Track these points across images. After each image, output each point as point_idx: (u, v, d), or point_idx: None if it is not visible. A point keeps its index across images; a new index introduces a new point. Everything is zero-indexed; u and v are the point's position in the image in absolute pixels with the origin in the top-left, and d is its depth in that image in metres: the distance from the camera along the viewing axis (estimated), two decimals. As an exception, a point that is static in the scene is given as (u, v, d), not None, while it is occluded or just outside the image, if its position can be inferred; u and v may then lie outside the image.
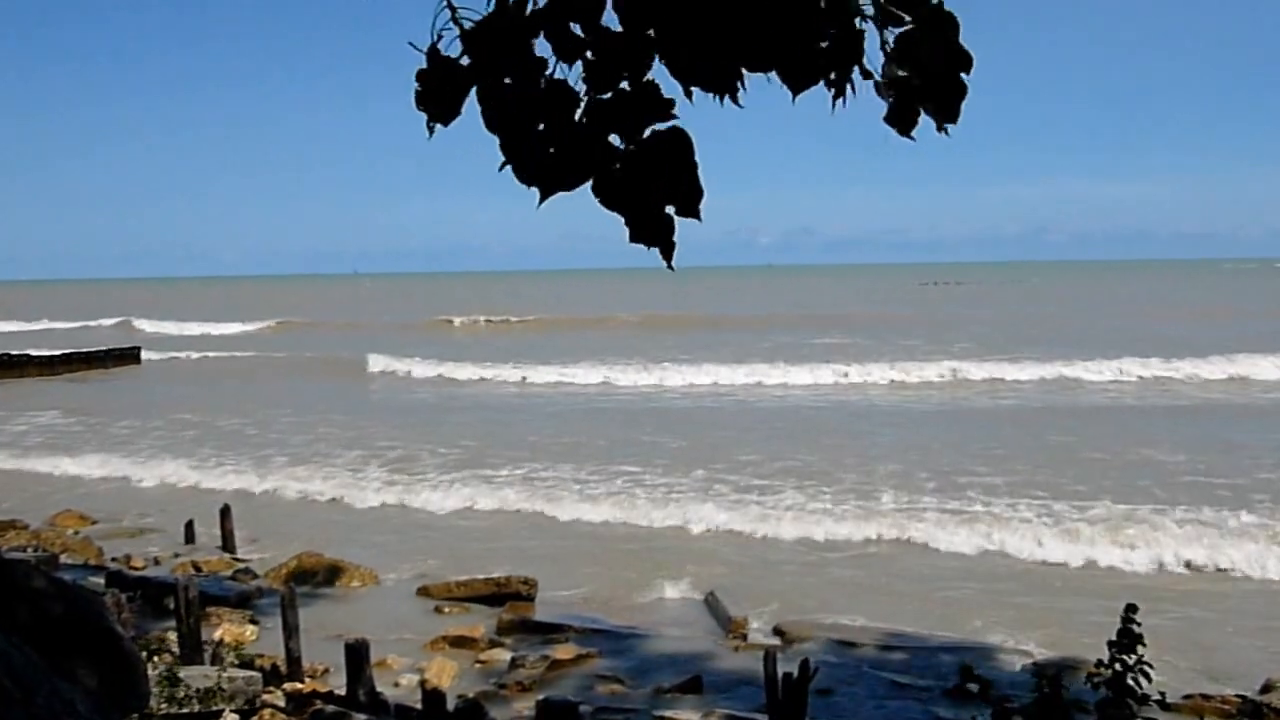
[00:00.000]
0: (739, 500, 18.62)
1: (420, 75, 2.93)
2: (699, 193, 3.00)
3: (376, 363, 44.53)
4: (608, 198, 3.00)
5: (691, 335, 56.18)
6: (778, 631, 12.66)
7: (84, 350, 50.61)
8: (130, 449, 25.41)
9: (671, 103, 2.91)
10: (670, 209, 3.02)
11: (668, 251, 3.05)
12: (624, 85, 2.92)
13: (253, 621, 12.75)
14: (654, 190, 2.99)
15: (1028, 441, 24.08)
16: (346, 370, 43.42)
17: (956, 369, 37.47)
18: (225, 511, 17.28)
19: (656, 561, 15.52)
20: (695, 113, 3.00)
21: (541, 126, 2.97)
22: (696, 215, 3.02)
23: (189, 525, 17.56)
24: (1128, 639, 4.71)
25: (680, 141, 2.95)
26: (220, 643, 11.23)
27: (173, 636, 11.04)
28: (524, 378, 39.75)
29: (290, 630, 10.91)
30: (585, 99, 2.95)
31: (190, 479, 22.19)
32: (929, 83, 2.90)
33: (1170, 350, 38.57)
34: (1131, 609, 4.84)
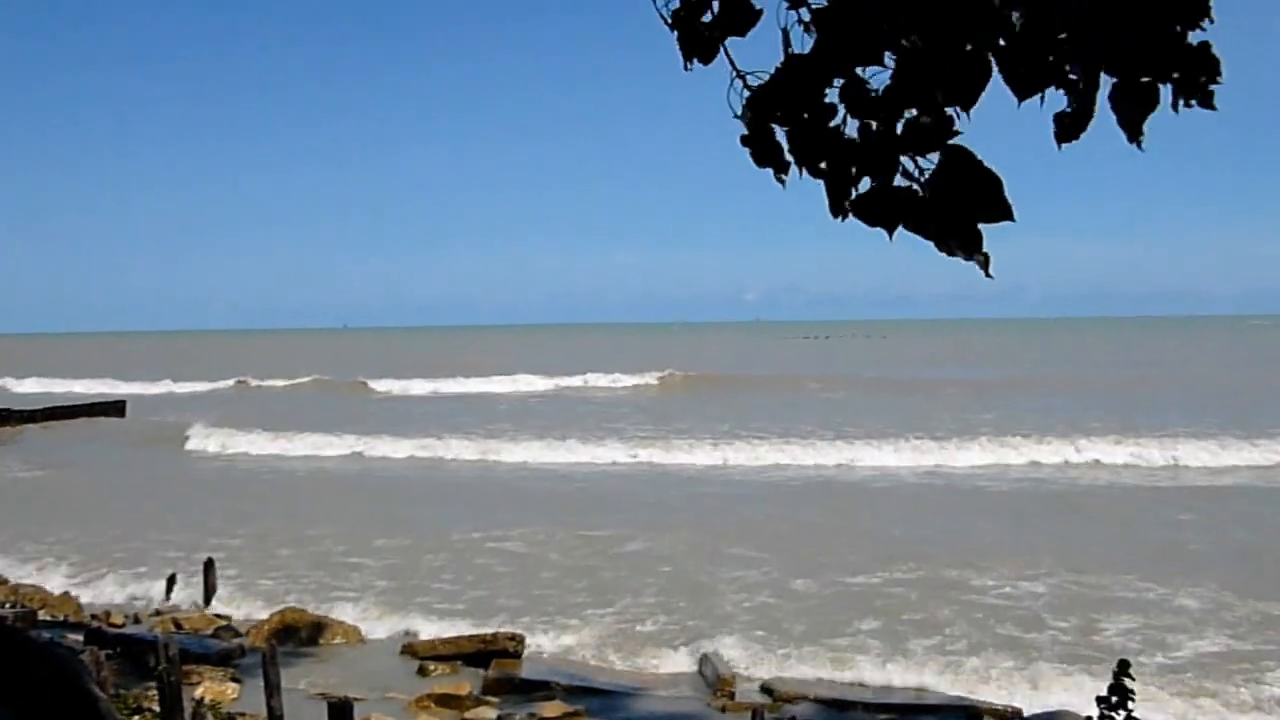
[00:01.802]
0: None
1: (745, 141, 3.39)
2: (1003, 197, 3.20)
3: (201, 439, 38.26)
4: (917, 224, 3.26)
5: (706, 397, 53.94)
6: (766, 690, 12.55)
7: (65, 404, 50.24)
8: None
9: (953, 121, 3.20)
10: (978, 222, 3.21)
11: (985, 261, 3.24)
12: (910, 114, 3.23)
13: (234, 680, 12.56)
14: (962, 204, 3.19)
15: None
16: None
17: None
18: (209, 566, 17.11)
19: (646, 621, 15.39)
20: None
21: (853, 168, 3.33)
22: (1010, 215, 3.21)
23: (170, 580, 17.38)
24: (1119, 694, 4.69)
25: (967, 156, 3.18)
26: (201, 702, 11.06)
27: (153, 695, 10.88)
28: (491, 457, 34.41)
29: (272, 689, 10.74)
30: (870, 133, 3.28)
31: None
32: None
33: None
34: (1124, 664, 4.83)
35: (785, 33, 3.29)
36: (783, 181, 3.37)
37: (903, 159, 3.26)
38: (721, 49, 3.41)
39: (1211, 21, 3.10)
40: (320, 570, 18.38)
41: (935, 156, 3.24)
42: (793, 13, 3.29)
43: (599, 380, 64.29)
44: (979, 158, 3.21)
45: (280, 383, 68.72)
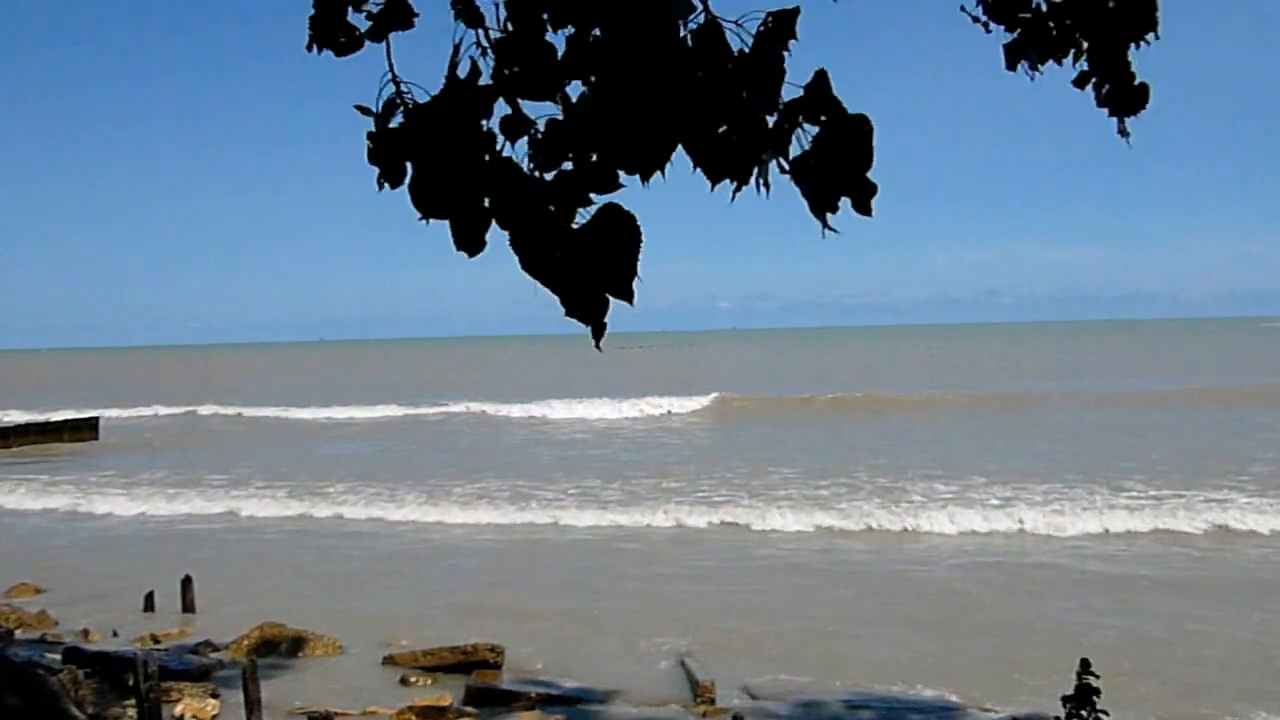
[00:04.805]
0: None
1: (370, 137, 3.09)
2: (632, 274, 2.96)
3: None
4: (543, 275, 2.98)
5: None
6: (747, 693, 12.60)
7: (38, 421, 49.58)
8: None
9: (616, 178, 2.94)
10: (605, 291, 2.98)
11: (597, 332, 3.03)
12: (567, 164, 2.96)
13: (214, 696, 12.50)
14: (590, 270, 2.95)
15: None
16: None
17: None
18: (187, 582, 17.05)
19: (628, 627, 15.47)
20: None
21: (486, 201, 3.01)
22: (628, 298, 2.99)
23: (149, 596, 17.29)
24: (1084, 694, 4.77)
25: (623, 222, 2.94)
26: (181, 719, 11.02)
27: (132, 714, 10.84)
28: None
29: (252, 705, 10.74)
30: (530, 175, 2.99)
31: None
32: (841, 178, 3.00)
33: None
34: (1085, 664, 4.92)
35: (456, 49, 3.02)
36: (381, 186, 3.10)
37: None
38: (384, 46, 3.10)
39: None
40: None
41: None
42: (470, 32, 3.04)
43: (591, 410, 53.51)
44: (634, 220, 2.93)
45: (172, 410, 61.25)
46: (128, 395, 71.29)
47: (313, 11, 3.11)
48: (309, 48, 3.13)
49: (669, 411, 51.74)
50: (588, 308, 2.99)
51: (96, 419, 49.58)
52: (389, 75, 3.08)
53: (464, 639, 14.25)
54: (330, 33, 3.11)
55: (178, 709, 11.52)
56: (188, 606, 16.85)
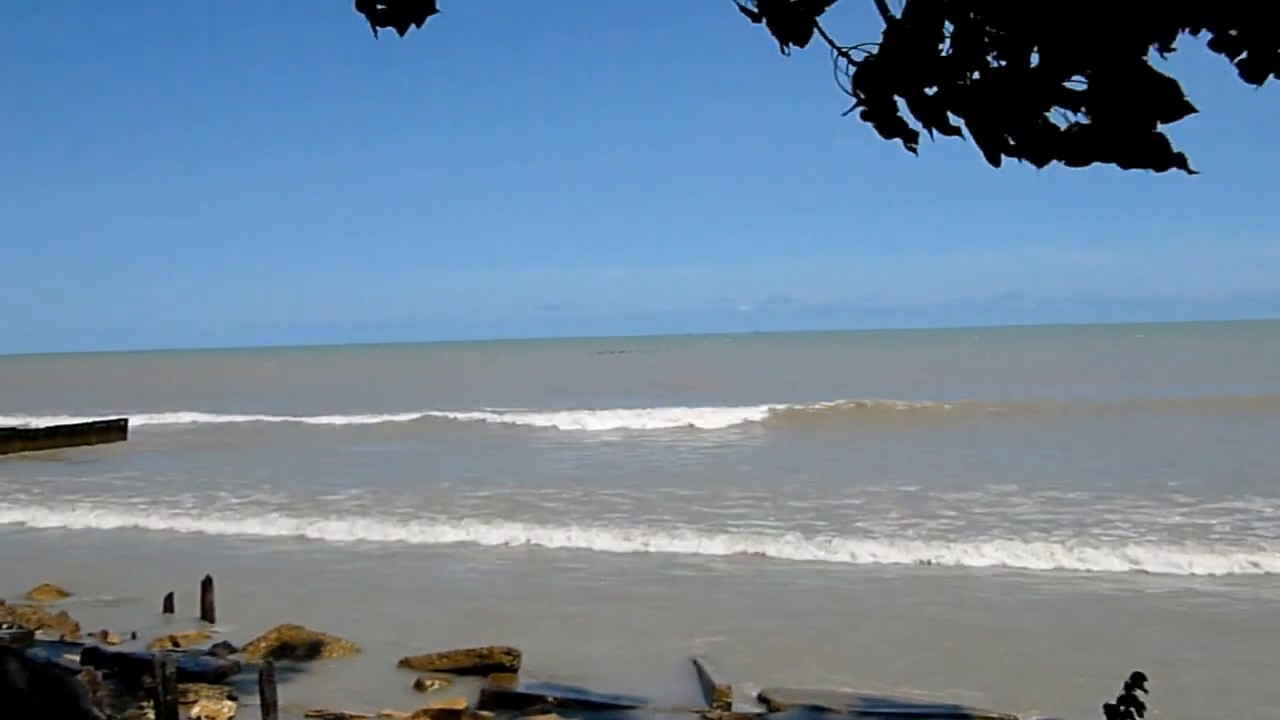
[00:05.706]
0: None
1: (866, 116, 3.22)
2: (1179, 96, 2.96)
3: None
4: (1078, 153, 3.07)
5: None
6: (763, 699, 12.57)
7: (68, 423, 49.76)
8: None
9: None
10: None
11: (1182, 161, 3.02)
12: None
13: (231, 698, 12.56)
14: (1137, 113, 2.95)
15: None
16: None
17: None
18: (207, 583, 17.13)
19: (644, 631, 15.46)
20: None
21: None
22: (1184, 112, 2.98)
23: (169, 598, 17.41)
24: (1128, 705, 4.56)
25: (1137, 74, 2.95)
26: (198, 720, 11.08)
27: (150, 715, 10.90)
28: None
29: (268, 707, 10.78)
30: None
31: None
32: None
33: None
34: (1139, 678, 4.67)
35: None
36: (914, 149, 3.19)
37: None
38: (816, 29, 3.24)
39: None
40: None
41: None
42: None
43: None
44: (1144, 59, 2.94)
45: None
46: (152, 400, 71.63)
47: (766, 20, 3.23)
48: (783, 51, 3.25)
49: (691, 425, 49.93)
50: (1148, 149, 2.99)
51: (125, 421, 49.58)
52: (835, 51, 3.20)
53: (480, 642, 14.30)
54: (790, 29, 3.21)
55: (194, 710, 11.57)
56: (207, 609, 16.94)
